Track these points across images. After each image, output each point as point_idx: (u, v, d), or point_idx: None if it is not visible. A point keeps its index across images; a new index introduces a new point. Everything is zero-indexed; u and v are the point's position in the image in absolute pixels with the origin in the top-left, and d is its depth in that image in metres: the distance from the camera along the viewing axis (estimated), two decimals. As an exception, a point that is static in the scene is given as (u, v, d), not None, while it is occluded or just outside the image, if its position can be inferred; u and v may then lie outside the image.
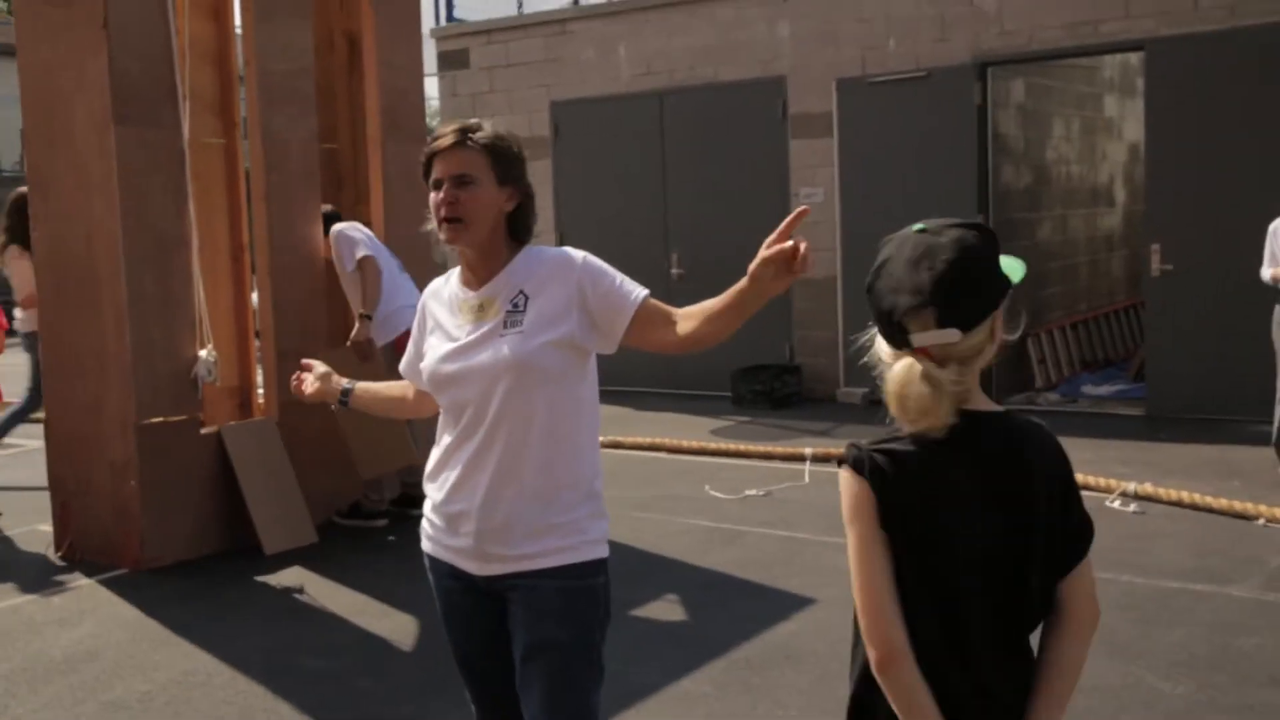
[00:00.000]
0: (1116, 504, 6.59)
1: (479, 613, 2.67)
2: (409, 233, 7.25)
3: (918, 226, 1.94)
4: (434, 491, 2.68)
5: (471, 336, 2.58)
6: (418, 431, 6.82)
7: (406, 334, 6.91)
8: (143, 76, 5.80)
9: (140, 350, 5.79)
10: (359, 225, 6.83)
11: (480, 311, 2.59)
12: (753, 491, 7.27)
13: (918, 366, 1.85)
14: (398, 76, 7.17)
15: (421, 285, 7.02)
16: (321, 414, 6.65)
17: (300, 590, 5.63)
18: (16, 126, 25.10)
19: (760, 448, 8.33)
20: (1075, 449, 8.62)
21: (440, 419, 2.69)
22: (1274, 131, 8.43)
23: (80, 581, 5.81)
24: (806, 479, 7.56)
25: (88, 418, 5.96)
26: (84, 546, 6.08)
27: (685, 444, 8.57)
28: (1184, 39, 8.84)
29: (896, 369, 1.88)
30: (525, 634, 2.57)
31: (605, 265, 2.61)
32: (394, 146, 7.13)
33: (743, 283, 2.33)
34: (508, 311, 2.55)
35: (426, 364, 2.66)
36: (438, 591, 2.74)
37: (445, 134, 2.60)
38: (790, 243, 2.24)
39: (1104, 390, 10.19)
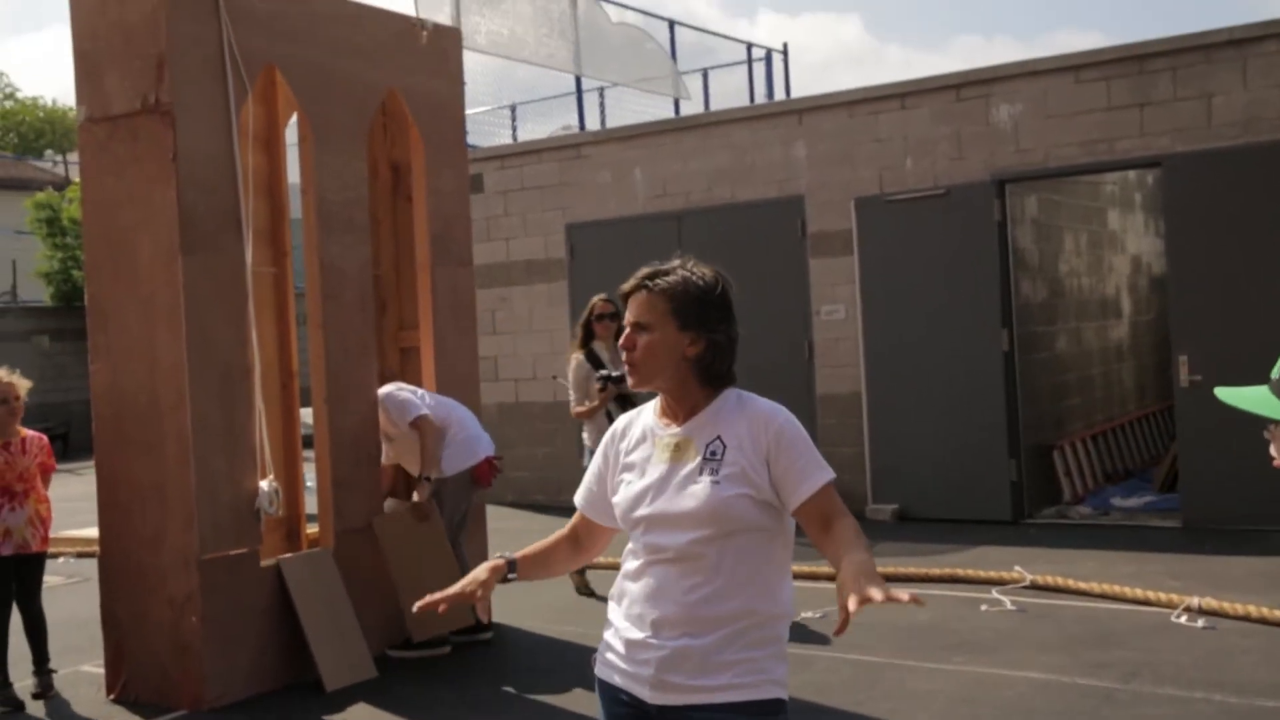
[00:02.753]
0: (1184, 620, 6.51)
1: None
2: (457, 358, 7.23)
3: None
4: (617, 617, 2.66)
5: (667, 478, 2.59)
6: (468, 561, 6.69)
7: (485, 462, 6.77)
8: (208, 207, 5.80)
9: (204, 483, 5.68)
10: (403, 385, 6.83)
11: (677, 451, 2.60)
12: (809, 614, 7.14)
13: None
14: (445, 203, 7.21)
15: (469, 405, 7.00)
16: (373, 546, 6.52)
17: (373, 729, 5.46)
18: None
19: (805, 568, 8.18)
20: (1118, 563, 8.44)
21: (629, 545, 2.67)
22: (1295, 243, 8.59)
23: (141, 726, 5.60)
24: (859, 599, 7.41)
25: (146, 552, 5.80)
26: (139, 687, 5.87)
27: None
28: (1200, 155, 9.04)
29: None
30: None
31: (800, 436, 2.58)
32: (442, 271, 7.14)
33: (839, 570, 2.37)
34: (704, 458, 2.56)
35: (619, 500, 2.67)
36: (606, 717, 2.68)
37: (632, 279, 2.66)
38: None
39: (1133, 502, 10.16)
